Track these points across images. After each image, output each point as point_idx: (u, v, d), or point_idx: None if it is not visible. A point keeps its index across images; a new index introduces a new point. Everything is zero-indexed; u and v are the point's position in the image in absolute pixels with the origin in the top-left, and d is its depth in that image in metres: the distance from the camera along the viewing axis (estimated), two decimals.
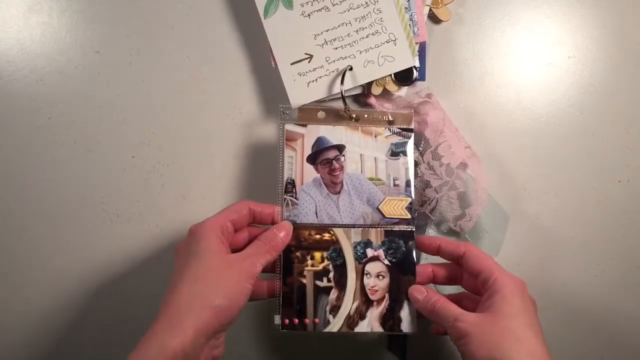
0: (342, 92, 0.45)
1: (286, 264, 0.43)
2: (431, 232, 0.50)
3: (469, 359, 0.38)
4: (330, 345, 0.51)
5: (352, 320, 0.43)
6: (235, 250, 0.41)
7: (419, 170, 0.48)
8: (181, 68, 0.50)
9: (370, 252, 0.44)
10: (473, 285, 0.43)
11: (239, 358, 0.51)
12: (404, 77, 0.47)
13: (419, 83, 0.48)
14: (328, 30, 0.46)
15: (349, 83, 0.46)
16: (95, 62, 0.49)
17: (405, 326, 0.43)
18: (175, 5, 0.49)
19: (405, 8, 0.46)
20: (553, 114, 0.51)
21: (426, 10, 0.48)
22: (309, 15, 0.46)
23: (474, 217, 0.47)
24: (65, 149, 0.49)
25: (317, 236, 0.44)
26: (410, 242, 0.44)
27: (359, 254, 0.44)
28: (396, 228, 0.44)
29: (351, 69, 0.46)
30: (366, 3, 0.46)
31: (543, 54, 0.51)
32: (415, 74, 0.48)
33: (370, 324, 0.43)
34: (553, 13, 0.51)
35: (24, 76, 0.49)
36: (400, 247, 0.44)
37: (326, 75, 0.47)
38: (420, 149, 0.47)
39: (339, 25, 0.46)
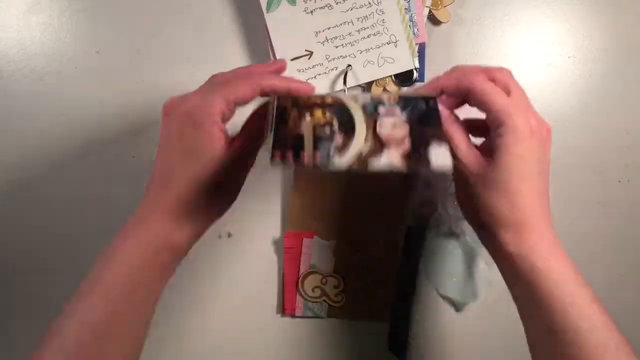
0: (345, 92, 0.46)
1: (278, 122, 0.34)
2: (430, 236, 0.50)
3: (457, 197, 0.39)
4: (332, 342, 0.51)
5: (365, 157, 0.33)
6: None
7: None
8: (181, 67, 0.50)
9: (382, 110, 0.35)
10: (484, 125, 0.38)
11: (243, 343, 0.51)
12: (404, 78, 0.48)
13: (418, 84, 0.48)
14: (330, 28, 0.46)
15: (348, 82, 0.47)
16: (95, 62, 0.49)
17: (436, 162, 0.33)
18: (175, 5, 0.49)
19: (405, 9, 0.46)
20: (553, 114, 0.51)
21: (426, 11, 0.48)
22: (311, 12, 0.46)
23: None
24: (65, 149, 0.49)
25: (319, 99, 0.35)
26: (431, 101, 0.36)
27: (369, 111, 0.35)
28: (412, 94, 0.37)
29: (351, 68, 0.46)
30: (369, 3, 0.46)
31: (543, 54, 0.51)
32: (415, 75, 0.48)
33: (389, 159, 0.33)
34: (553, 13, 0.51)
35: (24, 76, 0.49)
36: (419, 105, 0.36)
37: (325, 73, 0.47)
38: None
39: (341, 24, 0.46)
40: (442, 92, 0.37)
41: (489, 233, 0.36)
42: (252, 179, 0.50)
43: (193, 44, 0.50)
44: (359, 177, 0.48)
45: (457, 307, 0.51)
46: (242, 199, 0.50)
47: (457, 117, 0.38)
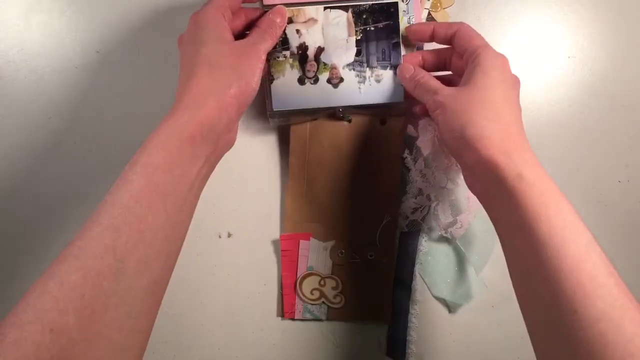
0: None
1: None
2: (423, 240, 0.50)
3: (443, 130, 0.39)
4: (332, 344, 0.51)
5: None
6: (235, 36, 0.42)
7: (410, 177, 0.48)
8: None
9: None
10: (461, 68, 0.43)
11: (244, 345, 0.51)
12: None
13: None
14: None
15: None
16: (95, 62, 0.49)
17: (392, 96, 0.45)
18: (175, 4, 0.49)
19: (404, 11, 0.46)
20: (553, 114, 0.51)
21: (425, 13, 0.48)
22: None
23: (464, 224, 0.47)
24: (65, 149, 0.49)
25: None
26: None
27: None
28: None
29: None
30: None
31: (543, 54, 0.51)
32: None
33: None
34: (553, 13, 0.51)
35: (24, 76, 0.49)
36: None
37: None
38: (412, 156, 0.48)
39: None
40: (432, 33, 0.44)
41: (469, 148, 0.37)
42: (254, 179, 0.50)
43: None
44: (356, 179, 0.48)
45: (450, 308, 0.51)
46: (242, 199, 0.50)
47: (423, 70, 0.44)
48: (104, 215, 0.33)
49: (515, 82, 0.41)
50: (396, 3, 0.45)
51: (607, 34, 0.51)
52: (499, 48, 0.50)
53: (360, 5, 0.45)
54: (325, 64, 0.45)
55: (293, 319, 0.50)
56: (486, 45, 0.41)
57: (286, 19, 0.44)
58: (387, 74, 0.45)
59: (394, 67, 0.45)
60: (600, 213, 0.51)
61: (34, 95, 0.49)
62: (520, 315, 0.36)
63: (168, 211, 0.35)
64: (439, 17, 0.49)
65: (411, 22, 0.46)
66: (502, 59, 0.40)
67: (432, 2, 0.48)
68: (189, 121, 0.36)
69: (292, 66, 0.45)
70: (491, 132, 0.36)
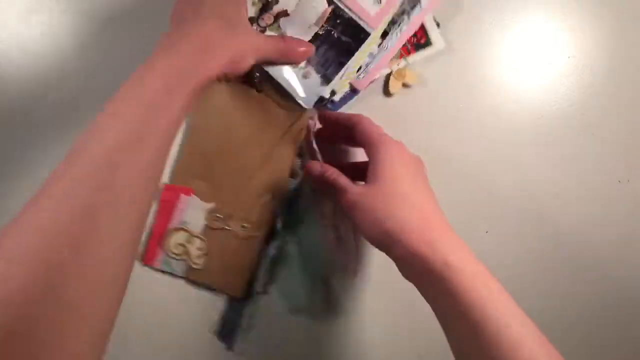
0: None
1: None
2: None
3: (362, 227, 0.39)
4: (179, 301, 0.51)
5: None
6: None
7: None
8: None
9: None
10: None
11: None
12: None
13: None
14: None
15: None
16: (95, 62, 0.49)
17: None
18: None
19: (370, 54, 0.46)
20: (553, 114, 0.51)
21: (385, 72, 0.49)
22: None
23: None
24: (65, 149, 0.49)
25: None
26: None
27: None
28: None
29: None
30: None
31: (543, 54, 0.51)
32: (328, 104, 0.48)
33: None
34: (553, 13, 0.51)
35: (24, 76, 0.49)
36: None
37: None
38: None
39: None
40: (337, 120, 0.45)
41: (394, 242, 0.37)
42: None
43: None
44: (250, 152, 0.48)
45: (291, 310, 0.50)
46: None
47: (330, 167, 0.44)
48: (104, 138, 0.32)
49: (418, 164, 0.41)
50: (369, 34, 0.45)
51: (607, 34, 0.51)
52: (499, 48, 0.51)
53: (342, 10, 0.45)
54: (279, 27, 0.45)
55: (151, 267, 0.49)
56: (379, 137, 0.41)
57: (309, 55, 0.45)
58: (314, 79, 0.46)
59: (324, 78, 0.46)
60: (600, 213, 0.51)
61: (34, 95, 0.49)
62: None
63: (152, 144, 0.33)
64: (392, 84, 0.49)
65: (367, 68, 0.47)
66: (397, 146, 0.41)
67: (397, 73, 0.48)
68: (196, 74, 0.36)
69: (253, 3, 0.45)
70: (410, 223, 0.37)
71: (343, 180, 0.42)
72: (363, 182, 0.41)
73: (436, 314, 0.37)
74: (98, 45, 0.49)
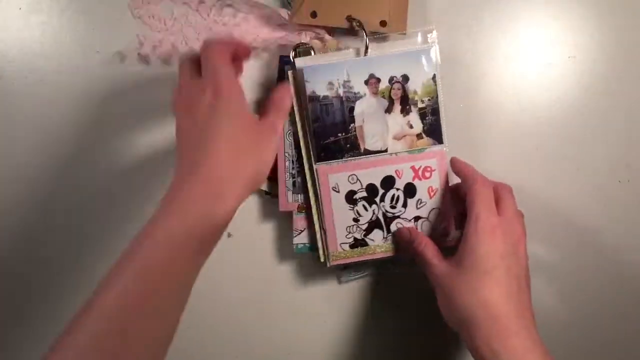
0: None
1: None
2: None
3: (441, 307, 0.41)
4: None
5: None
6: None
7: None
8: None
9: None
10: None
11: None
12: None
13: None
14: None
15: None
16: (95, 62, 0.49)
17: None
18: (175, 4, 0.49)
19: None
20: (553, 114, 0.51)
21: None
22: None
23: None
24: (65, 149, 0.49)
25: None
26: None
27: None
28: None
29: None
30: None
31: (543, 54, 0.51)
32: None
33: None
34: (553, 13, 0.51)
35: (24, 76, 0.49)
36: None
37: None
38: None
39: None
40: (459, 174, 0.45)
41: (466, 333, 0.38)
42: None
43: (193, 42, 0.50)
44: None
45: None
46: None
47: (422, 236, 0.44)
48: (93, 315, 0.31)
49: (511, 244, 0.40)
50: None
51: (607, 34, 0.51)
52: (498, 48, 0.51)
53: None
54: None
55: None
56: (478, 216, 0.40)
57: (292, 96, 0.44)
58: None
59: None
60: (600, 213, 0.51)
61: (34, 95, 0.49)
62: None
63: (161, 310, 0.33)
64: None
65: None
66: (490, 225, 0.39)
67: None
68: (202, 218, 0.34)
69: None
70: (477, 321, 0.37)
71: (429, 252, 0.42)
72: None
73: None
74: (98, 45, 0.49)
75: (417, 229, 0.46)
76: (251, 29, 0.48)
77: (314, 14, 0.46)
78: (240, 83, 0.38)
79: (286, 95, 0.43)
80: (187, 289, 0.35)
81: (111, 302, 0.31)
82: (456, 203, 0.46)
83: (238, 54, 0.41)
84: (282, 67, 0.47)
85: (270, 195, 0.47)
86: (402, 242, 0.45)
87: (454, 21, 0.50)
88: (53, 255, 0.50)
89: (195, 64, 0.39)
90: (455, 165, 0.45)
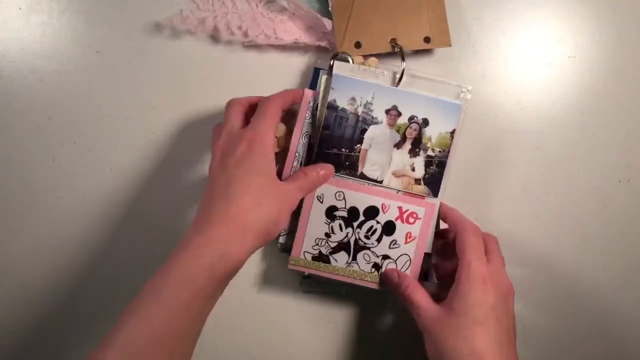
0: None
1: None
2: None
3: (427, 351, 0.40)
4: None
5: None
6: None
7: None
8: (182, 67, 0.50)
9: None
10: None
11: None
12: None
13: None
14: None
15: None
16: (95, 62, 0.49)
17: None
18: (175, 5, 0.49)
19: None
20: (553, 114, 0.51)
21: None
22: None
23: None
24: (65, 149, 0.49)
25: None
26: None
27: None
28: None
29: None
30: None
31: (543, 54, 0.51)
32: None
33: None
34: (553, 13, 0.51)
35: (24, 76, 0.49)
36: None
37: None
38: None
39: None
40: (446, 219, 0.45)
41: None
42: None
43: (192, 43, 0.50)
44: None
45: None
46: None
47: (410, 278, 0.44)
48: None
49: (502, 296, 0.40)
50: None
51: (607, 34, 0.51)
52: (498, 48, 0.51)
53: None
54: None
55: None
56: (469, 263, 0.40)
57: (329, 177, 0.44)
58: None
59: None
60: (600, 213, 0.51)
61: (34, 95, 0.49)
62: None
63: (179, 344, 0.35)
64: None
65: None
66: (482, 276, 0.40)
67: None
68: (221, 257, 0.36)
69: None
70: None
71: (418, 296, 0.42)
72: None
73: None
74: (98, 45, 0.49)
75: (381, 267, 0.45)
76: (295, 30, 0.49)
77: (357, 44, 0.47)
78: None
79: (320, 172, 0.44)
80: (202, 323, 0.38)
81: (132, 339, 0.33)
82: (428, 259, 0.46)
83: (294, 102, 0.45)
84: (316, 79, 0.47)
85: (287, 253, 0.47)
86: (388, 284, 0.44)
87: (454, 21, 0.50)
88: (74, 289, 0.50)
89: (244, 109, 0.43)
90: (443, 209, 0.45)
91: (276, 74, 0.50)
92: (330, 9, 0.47)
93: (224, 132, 0.42)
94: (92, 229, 0.49)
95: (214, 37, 0.49)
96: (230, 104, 0.43)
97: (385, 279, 0.45)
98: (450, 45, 0.48)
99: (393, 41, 0.47)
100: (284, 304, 0.51)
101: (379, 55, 0.48)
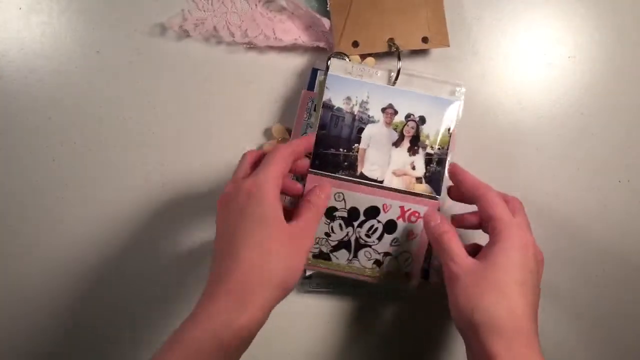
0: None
1: None
2: None
3: (451, 301, 0.38)
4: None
5: None
6: None
7: None
8: (181, 67, 0.50)
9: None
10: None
11: None
12: None
13: None
14: None
15: None
16: (95, 62, 0.49)
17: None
18: (175, 5, 0.49)
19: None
20: (553, 114, 0.51)
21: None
22: None
23: None
24: (65, 149, 0.49)
25: None
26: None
27: None
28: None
29: None
30: None
31: (543, 54, 0.51)
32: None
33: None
34: (553, 13, 0.51)
35: (24, 76, 0.49)
36: None
37: None
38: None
39: None
40: (460, 184, 0.43)
41: (482, 336, 0.35)
42: None
43: (192, 43, 0.50)
44: None
45: None
46: None
47: (449, 225, 0.41)
48: None
49: (538, 263, 0.39)
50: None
51: (607, 34, 0.51)
52: (498, 48, 0.51)
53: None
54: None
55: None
56: (510, 222, 0.39)
57: (330, 195, 0.43)
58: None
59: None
60: (600, 213, 0.51)
61: (34, 95, 0.49)
62: None
63: None
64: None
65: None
66: (525, 240, 0.38)
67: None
68: (230, 323, 0.34)
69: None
70: (501, 325, 0.35)
71: (455, 246, 0.39)
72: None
73: None
74: (98, 45, 0.49)
75: (382, 263, 0.45)
76: (294, 29, 0.49)
77: (355, 44, 0.47)
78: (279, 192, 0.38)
79: (322, 195, 0.42)
80: None
81: None
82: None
83: (307, 149, 0.42)
84: (314, 79, 0.47)
85: (309, 278, 0.47)
86: (425, 226, 0.42)
87: (454, 21, 0.50)
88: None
89: (255, 160, 0.41)
90: (457, 172, 0.43)
91: (277, 74, 0.50)
92: (328, 8, 0.47)
93: (229, 183, 0.40)
94: (92, 229, 0.49)
95: (215, 37, 0.49)
96: (243, 156, 0.41)
97: (425, 220, 0.42)
98: (449, 46, 0.48)
99: (391, 41, 0.47)
100: (284, 303, 0.50)
101: (377, 55, 0.48)
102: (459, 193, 0.44)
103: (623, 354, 0.51)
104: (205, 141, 0.50)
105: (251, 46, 0.49)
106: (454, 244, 0.39)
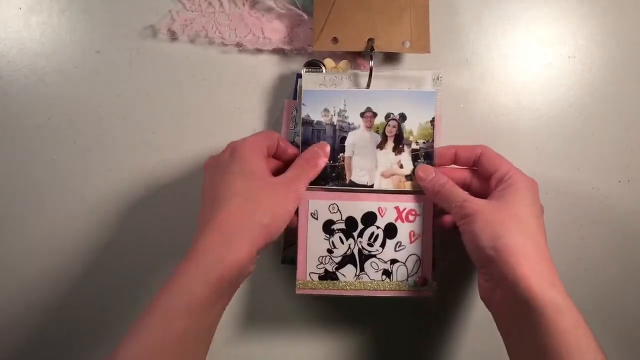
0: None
1: None
2: None
3: (470, 239, 0.38)
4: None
5: None
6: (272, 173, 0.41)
7: None
8: (181, 67, 0.50)
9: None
10: (483, 190, 0.43)
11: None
12: None
13: None
14: None
15: None
16: (95, 62, 0.49)
17: None
18: (174, 4, 0.49)
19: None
20: (553, 114, 0.51)
21: None
22: None
23: None
24: (65, 149, 0.49)
25: None
26: None
27: None
28: None
29: None
30: None
31: (543, 54, 0.51)
32: None
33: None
34: (553, 13, 0.51)
35: (24, 76, 0.49)
36: None
37: None
38: None
39: None
40: (454, 156, 0.44)
41: (501, 261, 0.36)
42: None
43: (192, 43, 0.50)
44: None
45: None
46: None
47: (445, 177, 0.42)
48: None
49: (542, 209, 0.41)
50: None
51: (607, 34, 0.51)
52: (498, 48, 0.51)
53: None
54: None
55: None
56: (517, 169, 0.41)
57: (329, 155, 0.43)
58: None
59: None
60: (600, 213, 0.51)
61: (34, 95, 0.49)
62: None
63: (185, 355, 0.35)
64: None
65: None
66: (534, 183, 0.41)
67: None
68: (216, 263, 0.35)
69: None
70: (526, 249, 0.36)
71: (461, 191, 0.41)
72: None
73: (507, 337, 0.37)
74: (98, 45, 0.49)
75: (392, 272, 0.44)
76: (282, 28, 0.49)
77: (335, 40, 0.46)
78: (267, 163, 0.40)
79: (316, 159, 0.43)
80: (209, 333, 0.37)
81: (136, 351, 0.33)
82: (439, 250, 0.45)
83: (277, 151, 0.43)
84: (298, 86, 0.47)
85: (287, 264, 0.46)
86: (424, 185, 0.43)
87: (453, 21, 0.50)
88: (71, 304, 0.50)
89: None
90: (446, 151, 0.44)
91: (274, 74, 0.50)
92: (313, 2, 0.47)
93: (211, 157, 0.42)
94: (92, 229, 0.49)
95: (205, 38, 0.49)
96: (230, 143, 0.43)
97: (419, 178, 0.43)
98: (429, 52, 0.47)
99: (371, 41, 0.46)
100: (284, 303, 0.50)
101: (358, 55, 0.48)
102: (446, 221, 0.45)
103: (623, 354, 0.51)
104: (206, 141, 0.50)
105: (241, 48, 0.49)
106: (458, 189, 0.41)
